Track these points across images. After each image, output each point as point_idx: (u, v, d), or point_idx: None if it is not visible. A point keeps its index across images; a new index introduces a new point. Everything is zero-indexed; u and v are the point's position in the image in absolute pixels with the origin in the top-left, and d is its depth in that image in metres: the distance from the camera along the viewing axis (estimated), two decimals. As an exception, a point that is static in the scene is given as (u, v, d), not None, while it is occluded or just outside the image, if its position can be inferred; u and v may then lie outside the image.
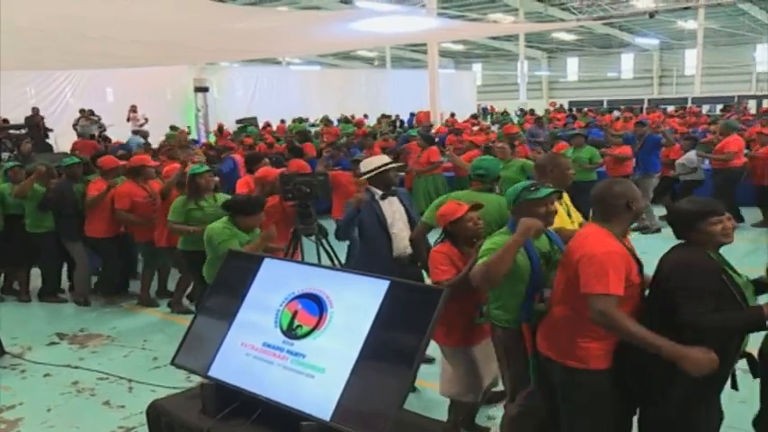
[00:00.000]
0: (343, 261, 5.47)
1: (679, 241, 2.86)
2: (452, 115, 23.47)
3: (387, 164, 4.78)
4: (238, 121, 22.15)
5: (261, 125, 21.39)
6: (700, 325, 2.60)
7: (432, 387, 4.32)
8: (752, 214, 9.26)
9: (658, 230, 8.69)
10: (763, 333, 2.87)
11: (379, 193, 4.64)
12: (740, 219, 8.82)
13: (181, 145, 9.44)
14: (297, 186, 5.03)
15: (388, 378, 2.52)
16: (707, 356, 2.54)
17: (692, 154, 9.80)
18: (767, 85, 39.73)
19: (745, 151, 9.71)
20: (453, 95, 28.61)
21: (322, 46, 16.60)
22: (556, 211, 3.22)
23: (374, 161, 4.86)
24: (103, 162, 6.77)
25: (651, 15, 23.19)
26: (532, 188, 3.16)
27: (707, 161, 9.87)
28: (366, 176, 4.72)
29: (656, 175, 9.58)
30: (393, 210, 4.66)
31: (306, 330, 2.75)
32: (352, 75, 34.00)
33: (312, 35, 11.19)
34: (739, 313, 2.65)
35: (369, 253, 4.65)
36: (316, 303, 2.78)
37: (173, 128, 18.59)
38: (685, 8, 23.23)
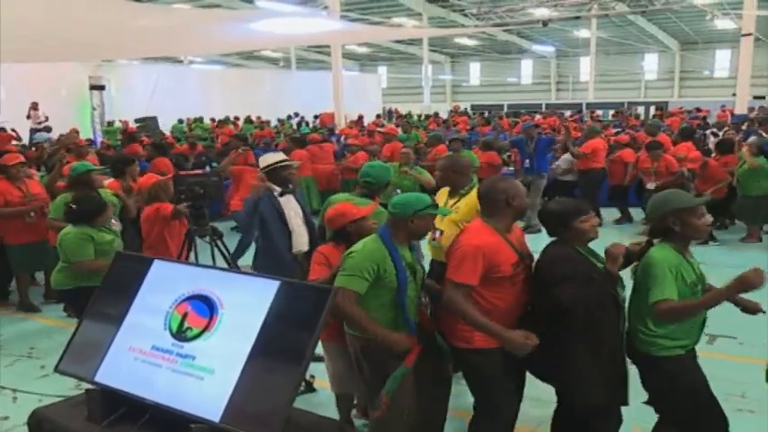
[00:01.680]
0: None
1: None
2: (360, 118, 23.61)
3: (283, 161, 4.87)
4: (137, 120, 21.46)
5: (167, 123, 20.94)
6: (576, 300, 2.88)
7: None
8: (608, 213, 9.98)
9: (539, 231, 9.11)
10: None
11: (277, 189, 4.74)
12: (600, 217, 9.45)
13: (68, 147, 9.01)
14: (190, 187, 4.97)
15: (278, 377, 2.53)
16: (521, 339, 2.94)
17: (568, 156, 10.42)
18: (655, 93, 42.24)
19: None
20: (358, 97, 28.76)
21: (224, 45, 16.31)
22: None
23: (271, 158, 4.94)
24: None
25: (545, 24, 24.21)
26: (434, 204, 3.33)
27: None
28: (264, 171, 4.81)
29: (547, 175, 10.06)
30: (290, 207, 4.78)
31: (196, 332, 2.73)
32: (256, 75, 33.59)
33: (213, 34, 11.00)
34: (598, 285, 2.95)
35: (271, 251, 4.71)
36: (206, 305, 2.76)
37: (109, 123, 18.13)
38: (576, 17, 24.32)
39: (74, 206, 4.71)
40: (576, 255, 3.03)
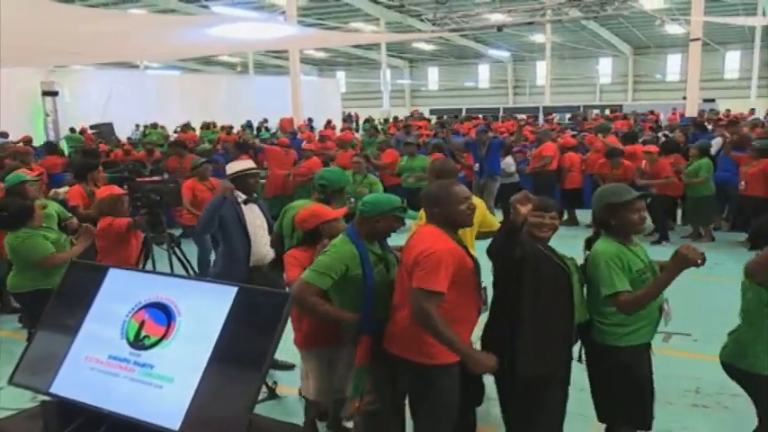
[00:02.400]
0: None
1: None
2: (311, 120, 23.58)
3: (250, 168, 4.88)
4: (92, 127, 21.08)
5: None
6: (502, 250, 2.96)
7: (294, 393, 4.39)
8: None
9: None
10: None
11: (242, 196, 4.75)
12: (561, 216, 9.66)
13: (14, 156, 8.81)
14: (146, 194, 4.92)
15: (238, 383, 2.52)
16: (486, 360, 2.94)
17: (509, 159, 10.71)
18: (609, 96, 43.10)
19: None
20: (317, 102, 28.71)
21: (181, 51, 16.16)
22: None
23: (238, 165, 4.95)
24: None
25: (499, 29, 24.55)
26: (401, 206, 3.40)
27: None
28: (230, 177, 4.80)
29: (500, 178, 10.25)
30: (254, 216, 4.77)
31: (153, 340, 2.70)
32: (214, 80, 33.22)
33: (170, 39, 10.89)
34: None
35: (229, 259, 4.69)
36: (163, 312, 2.74)
37: (72, 129, 17.75)
38: (530, 23, 24.71)
39: (4, 213, 4.71)
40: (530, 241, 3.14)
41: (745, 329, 3.13)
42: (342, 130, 17.89)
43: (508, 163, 10.76)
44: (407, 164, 10.07)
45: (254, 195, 4.93)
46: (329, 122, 24.61)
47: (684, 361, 4.78)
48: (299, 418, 3.94)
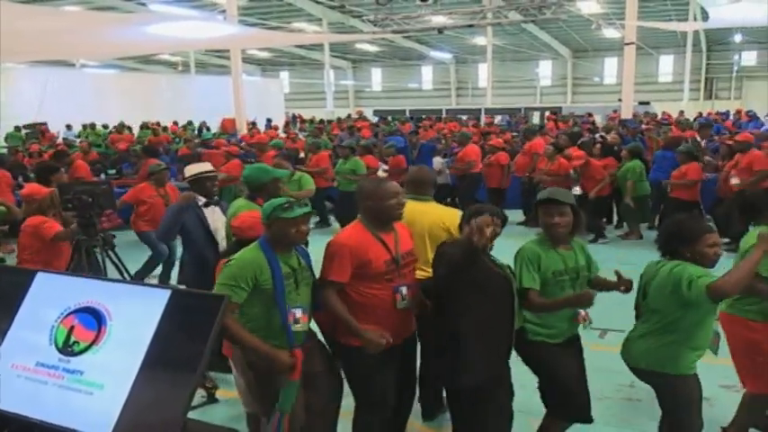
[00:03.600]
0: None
1: None
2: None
3: (208, 171, 4.84)
4: (26, 126, 20.40)
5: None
6: (450, 264, 3.07)
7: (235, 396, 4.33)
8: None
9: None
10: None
11: (201, 200, 4.70)
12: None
13: None
14: (77, 196, 4.79)
15: (171, 387, 2.48)
16: (376, 337, 3.12)
17: (437, 160, 10.96)
18: (550, 98, 44.01)
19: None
20: (260, 103, 28.41)
21: (119, 49, 15.79)
22: (308, 231, 3.28)
23: (196, 167, 4.90)
24: None
25: (440, 31, 24.81)
26: (286, 205, 3.14)
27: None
28: (188, 180, 4.76)
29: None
30: (216, 218, 4.71)
31: (83, 346, 2.63)
32: (154, 79, 32.50)
33: (107, 37, 10.64)
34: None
35: (197, 266, 4.60)
36: (93, 317, 2.67)
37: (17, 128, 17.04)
38: (470, 26, 25.03)
39: None
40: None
41: (657, 333, 3.26)
42: (286, 131, 17.73)
43: (437, 161, 11.03)
44: (340, 167, 10.12)
45: (216, 198, 4.88)
46: (270, 122, 24.42)
47: (619, 356, 4.90)
48: (238, 423, 3.90)
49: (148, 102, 26.60)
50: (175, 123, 23.35)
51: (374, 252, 3.17)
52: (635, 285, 3.43)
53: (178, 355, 2.52)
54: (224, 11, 18.11)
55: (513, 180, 11.01)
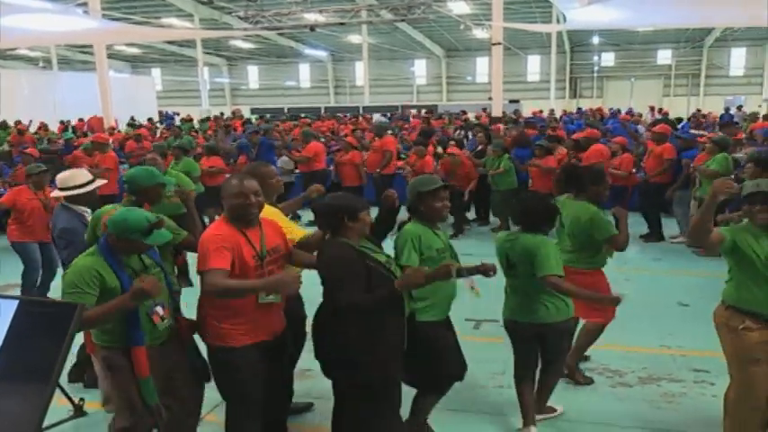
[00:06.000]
0: None
1: None
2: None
3: (91, 181, 4.64)
4: None
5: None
6: (355, 306, 3.08)
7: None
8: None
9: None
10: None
11: (87, 211, 4.46)
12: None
13: None
14: None
15: (24, 399, 2.42)
16: (288, 279, 3.13)
17: (285, 157, 11.15)
18: (426, 96, 45.12)
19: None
20: (131, 101, 27.26)
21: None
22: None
23: (73, 180, 4.63)
24: None
25: (312, 29, 24.81)
26: (146, 230, 3.18)
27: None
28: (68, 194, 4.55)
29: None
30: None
31: (-76, 362, 2.50)
32: (11, 76, 30.40)
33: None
34: (381, 290, 3.13)
35: None
36: (-65, 331, 2.54)
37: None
38: (341, 24, 25.23)
39: None
40: (353, 253, 3.17)
41: (526, 286, 3.83)
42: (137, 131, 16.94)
43: (284, 161, 11.15)
44: (171, 168, 9.92)
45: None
46: (134, 121, 23.49)
47: (493, 345, 5.06)
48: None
49: (7, 100, 24.83)
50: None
51: (242, 248, 3.16)
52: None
53: (30, 365, 2.45)
54: (84, 3, 17.19)
55: (368, 178, 11.13)
